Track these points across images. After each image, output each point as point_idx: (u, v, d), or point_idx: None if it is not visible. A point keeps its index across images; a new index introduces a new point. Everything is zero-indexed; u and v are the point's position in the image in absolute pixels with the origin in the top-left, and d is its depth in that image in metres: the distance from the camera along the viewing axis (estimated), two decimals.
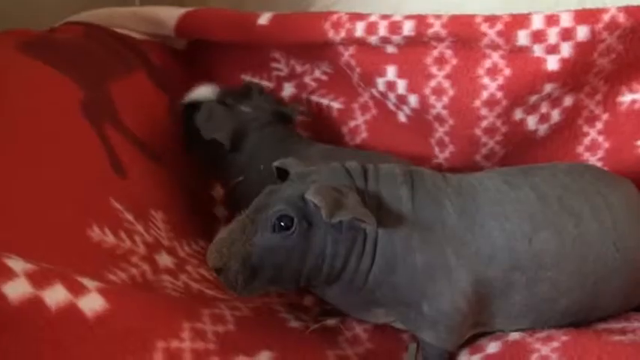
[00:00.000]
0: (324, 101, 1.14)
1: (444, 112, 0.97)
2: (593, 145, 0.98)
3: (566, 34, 0.87)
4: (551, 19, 0.88)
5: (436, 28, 0.93)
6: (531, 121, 0.96)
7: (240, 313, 0.78)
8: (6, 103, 0.78)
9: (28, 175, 0.74)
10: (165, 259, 0.86)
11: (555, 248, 0.73)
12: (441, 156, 1.04)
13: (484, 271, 0.72)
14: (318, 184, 0.70)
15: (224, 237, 0.72)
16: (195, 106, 1.02)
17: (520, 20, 0.89)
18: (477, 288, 0.72)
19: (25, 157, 0.75)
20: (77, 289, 0.62)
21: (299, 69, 1.14)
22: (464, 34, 0.92)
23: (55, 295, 0.60)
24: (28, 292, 0.58)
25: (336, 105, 1.14)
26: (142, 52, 1.14)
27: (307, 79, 1.15)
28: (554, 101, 0.94)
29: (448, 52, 0.95)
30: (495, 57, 0.92)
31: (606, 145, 0.97)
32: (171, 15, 1.14)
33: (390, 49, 0.98)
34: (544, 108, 0.95)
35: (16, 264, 0.59)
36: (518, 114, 0.95)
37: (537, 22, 0.88)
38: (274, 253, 0.71)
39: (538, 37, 0.88)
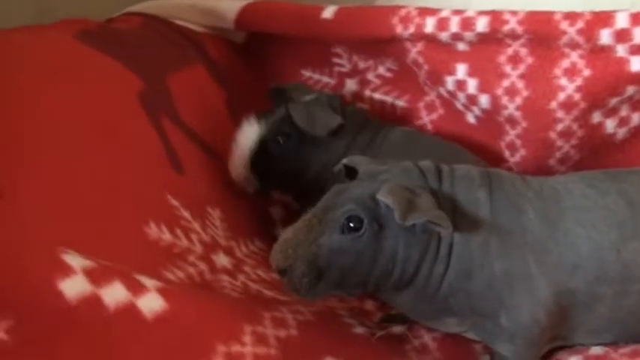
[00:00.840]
0: (388, 99, 1.10)
1: (517, 114, 0.93)
2: None
3: None
4: (637, 18, 0.83)
5: (512, 24, 0.89)
6: (610, 125, 0.92)
7: (302, 317, 0.75)
8: (64, 92, 0.76)
9: (84, 168, 0.72)
10: (222, 260, 0.83)
11: None
12: (512, 160, 0.99)
13: (567, 281, 0.68)
14: (390, 184, 0.67)
15: (289, 237, 0.69)
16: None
17: (603, 18, 0.85)
18: (559, 299, 0.68)
19: (81, 149, 0.73)
20: (136, 288, 0.60)
21: (362, 65, 1.11)
22: (541, 32, 0.88)
23: (114, 294, 0.58)
24: (86, 290, 0.56)
25: (400, 103, 1.10)
26: (201, 44, 1.11)
27: (370, 76, 1.11)
28: (636, 104, 0.90)
29: (523, 51, 0.91)
30: (574, 56, 0.88)
31: None
32: (231, 7, 1.12)
33: (461, 46, 0.94)
34: (624, 111, 0.90)
35: (75, 260, 0.57)
36: (596, 117, 0.90)
37: (622, 21, 0.84)
38: (342, 256, 0.67)
39: (622, 36, 0.84)
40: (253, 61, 1.19)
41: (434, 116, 1.07)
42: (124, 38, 0.98)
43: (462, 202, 0.70)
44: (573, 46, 0.87)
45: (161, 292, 0.61)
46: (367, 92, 1.12)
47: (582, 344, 0.73)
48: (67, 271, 0.55)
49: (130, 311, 0.58)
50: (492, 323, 0.70)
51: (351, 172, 0.75)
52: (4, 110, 0.67)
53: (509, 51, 0.92)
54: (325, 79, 1.15)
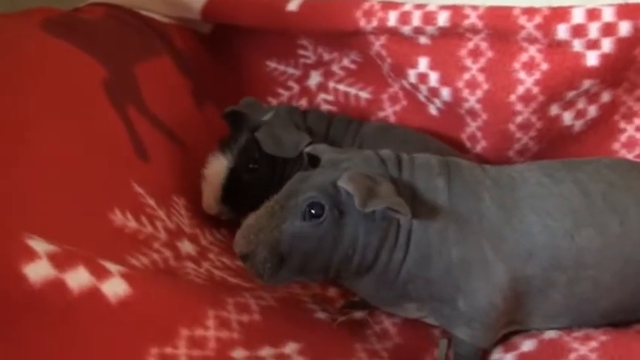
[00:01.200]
0: (352, 90, 1.12)
1: (478, 106, 0.95)
2: (630, 142, 0.97)
3: (608, 30, 0.85)
4: (593, 14, 0.86)
5: (472, 19, 0.91)
6: (567, 117, 0.94)
7: (265, 302, 0.76)
8: (28, 81, 0.76)
9: (48, 155, 0.72)
10: (187, 247, 0.84)
11: (599, 246, 0.70)
12: (473, 151, 1.02)
13: (522, 268, 0.70)
14: (351, 172, 0.68)
15: (252, 223, 0.70)
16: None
17: (560, 14, 0.87)
18: (514, 285, 0.70)
19: (45, 137, 0.73)
20: (100, 273, 0.61)
21: (326, 57, 1.12)
22: (501, 27, 0.90)
23: (78, 278, 0.58)
24: (50, 274, 0.56)
25: (364, 95, 1.11)
26: (166, 35, 1.11)
27: (335, 68, 1.12)
28: (592, 97, 0.93)
29: (483, 45, 0.93)
30: (532, 51, 0.90)
31: None
32: None
33: (423, 39, 0.96)
34: (581, 104, 0.93)
35: (38, 245, 0.58)
36: (554, 109, 0.93)
37: (578, 16, 0.86)
38: (304, 242, 0.69)
39: (578, 31, 0.86)
40: (219, 52, 1.19)
41: (397, 107, 1.09)
42: (90, 28, 0.98)
43: (421, 189, 0.71)
44: (532, 40, 0.89)
45: (125, 277, 0.62)
46: (332, 83, 1.13)
47: (537, 329, 0.75)
48: (31, 255, 0.56)
49: (93, 295, 0.59)
50: (450, 308, 0.71)
51: (314, 161, 0.76)
52: None
53: (470, 45, 0.94)
54: (290, 70, 1.16)
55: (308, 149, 0.77)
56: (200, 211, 0.94)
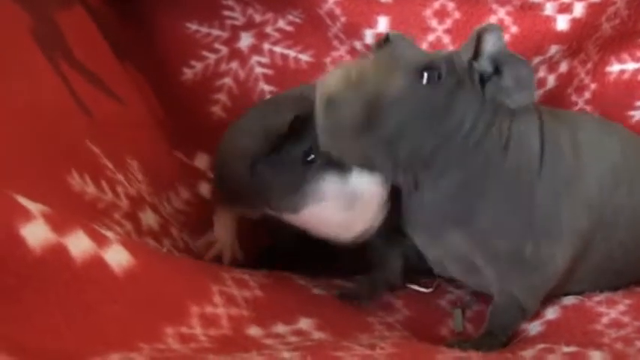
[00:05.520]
0: (291, 53, 1.03)
1: None
2: None
3: None
4: None
5: None
6: None
7: (258, 278, 0.67)
8: None
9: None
10: (149, 218, 0.72)
11: (629, 206, 0.68)
12: None
13: (584, 218, 0.66)
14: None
15: (354, 67, 0.59)
16: None
17: None
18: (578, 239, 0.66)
19: None
20: (99, 239, 0.51)
21: (258, 18, 1.02)
22: None
23: (80, 244, 0.49)
24: (50, 238, 0.46)
25: (304, 57, 1.03)
26: None
27: (269, 30, 1.03)
28: (552, 66, 0.92)
29: (450, 5, 0.89)
30: (502, 13, 0.87)
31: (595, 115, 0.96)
32: None
33: None
34: (542, 72, 0.92)
35: (30, 204, 0.47)
36: None
37: None
38: (410, 106, 0.59)
39: None
40: (130, 13, 1.06)
41: None
42: None
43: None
44: (503, 2, 0.87)
45: (124, 244, 0.53)
46: (266, 45, 1.03)
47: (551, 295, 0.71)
48: (26, 215, 0.45)
49: (98, 265, 0.49)
50: (511, 253, 0.64)
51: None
52: None
53: (436, 5, 0.89)
54: (215, 31, 1.04)
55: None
56: (156, 174, 0.80)
